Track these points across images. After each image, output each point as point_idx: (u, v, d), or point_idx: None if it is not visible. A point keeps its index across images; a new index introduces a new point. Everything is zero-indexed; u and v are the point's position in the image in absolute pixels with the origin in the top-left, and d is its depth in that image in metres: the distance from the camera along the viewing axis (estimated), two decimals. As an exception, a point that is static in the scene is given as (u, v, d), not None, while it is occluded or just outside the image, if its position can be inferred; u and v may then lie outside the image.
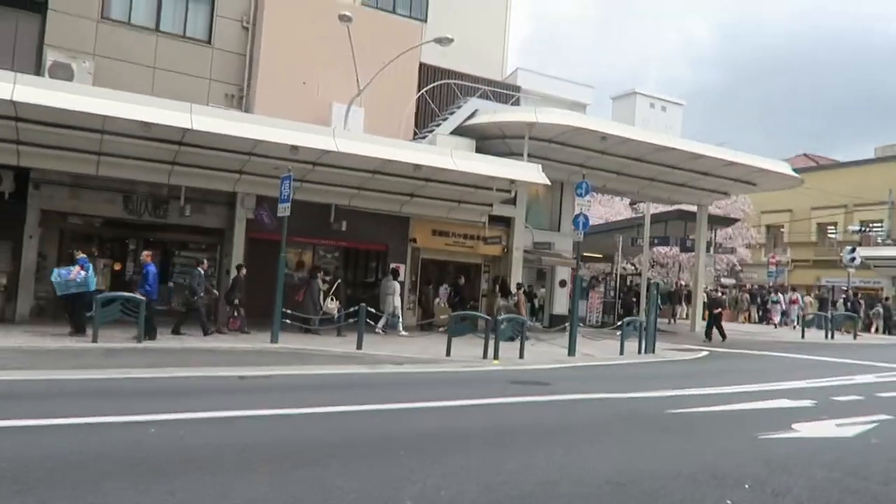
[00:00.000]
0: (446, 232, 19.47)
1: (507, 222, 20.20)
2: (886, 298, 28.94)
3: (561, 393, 9.07)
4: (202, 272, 14.39)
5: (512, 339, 15.14)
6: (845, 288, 28.09)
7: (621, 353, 14.96)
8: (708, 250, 25.09)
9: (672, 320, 29.20)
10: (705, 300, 24.13)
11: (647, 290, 22.85)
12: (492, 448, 5.92)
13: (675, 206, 26.39)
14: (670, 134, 21.73)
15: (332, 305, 16.08)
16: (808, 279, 38.20)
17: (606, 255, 28.89)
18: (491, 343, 12.77)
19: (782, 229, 41.40)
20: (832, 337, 22.11)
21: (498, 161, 16.72)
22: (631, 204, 36.01)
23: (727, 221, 28.73)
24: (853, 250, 25.03)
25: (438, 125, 18.69)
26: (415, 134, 19.20)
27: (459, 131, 18.42)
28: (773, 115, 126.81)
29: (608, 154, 19.65)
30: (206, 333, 13.51)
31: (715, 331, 20.20)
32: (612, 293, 26.24)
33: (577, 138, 18.57)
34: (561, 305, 22.49)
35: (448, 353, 12.64)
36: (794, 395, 9.62)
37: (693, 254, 25.25)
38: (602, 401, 8.70)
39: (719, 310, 20.07)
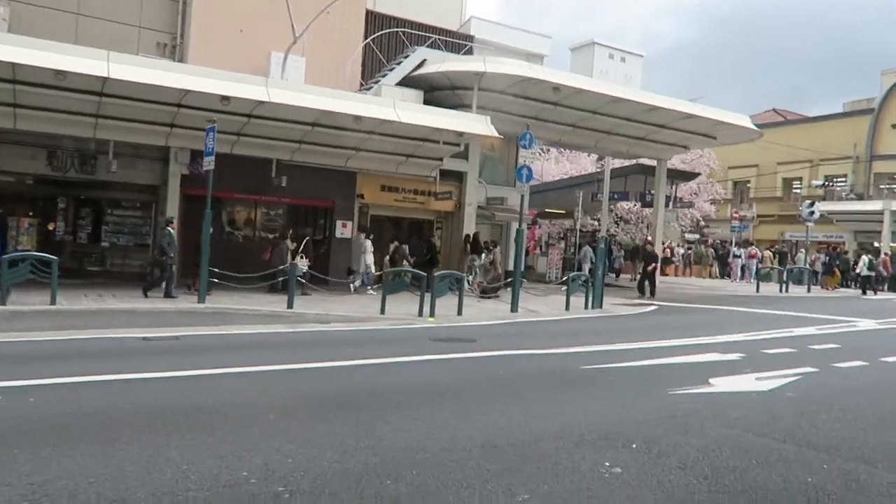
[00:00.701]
0: (396, 187, 18.87)
1: (459, 177, 19.63)
2: (846, 252, 29.00)
3: (482, 350, 8.70)
4: (172, 231, 13.80)
5: (487, 295, 15.51)
6: (807, 242, 28.08)
7: (567, 308, 14.67)
8: (667, 205, 24.78)
9: (636, 276, 29.02)
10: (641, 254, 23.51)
11: (586, 246, 22.59)
12: (374, 410, 5.52)
13: (636, 161, 25.99)
14: (629, 85, 21.18)
15: (301, 263, 15.79)
16: (773, 234, 38.28)
17: (569, 211, 28.49)
18: (428, 300, 12.35)
19: (748, 185, 41.30)
20: (787, 290, 22.09)
21: (444, 113, 16.10)
22: (599, 160, 35.51)
23: (687, 176, 28.36)
24: (812, 204, 24.87)
25: (385, 76, 17.93)
26: (361, 85, 18.44)
27: (407, 82, 17.68)
28: (754, 72, 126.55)
29: (562, 106, 19.06)
30: (168, 295, 12.94)
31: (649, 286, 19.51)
32: (571, 249, 25.94)
33: (530, 89, 17.95)
34: (517, 261, 22.11)
35: (382, 312, 12.23)
36: (725, 349, 9.36)
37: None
38: (521, 357, 8.35)
39: (654, 265, 19.46)
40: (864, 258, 23.79)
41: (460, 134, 16.33)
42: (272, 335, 9.54)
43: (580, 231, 26.75)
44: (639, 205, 28.12)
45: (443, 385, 6.66)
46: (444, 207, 19.75)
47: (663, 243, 31.13)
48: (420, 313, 12.25)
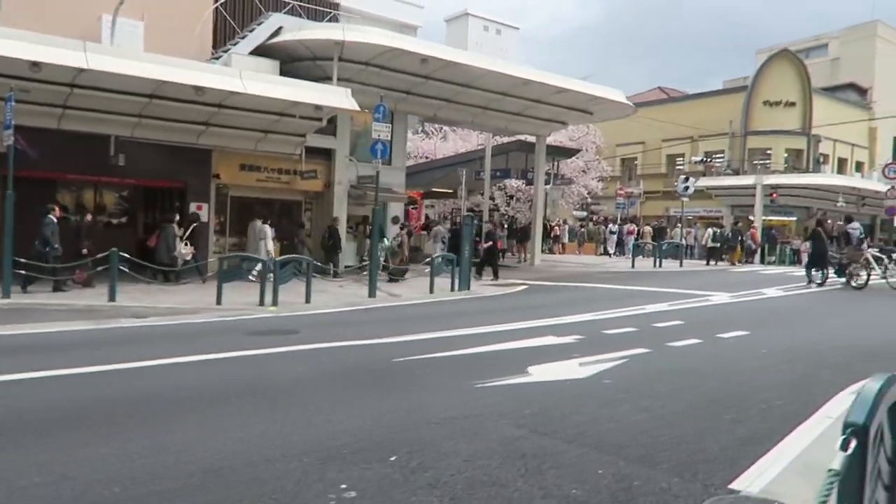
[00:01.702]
0: (257, 166, 17.54)
1: (327, 154, 18.55)
2: (736, 223, 30.01)
3: (299, 343, 7.86)
4: (55, 219, 12.31)
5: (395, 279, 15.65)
6: (689, 217, 28.86)
7: (431, 291, 14.06)
8: (549, 182, 24.65)
9: (524, 256, 28.89)
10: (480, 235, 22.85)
11: (437, 226, 22.12)
12: (93, 430, 4.57)
13: (516, 138, 25.70)
14: (504, 58, 20.72)
15: (185, 250, 14.81)
16: (660, 210, 39.32)
17: (455, 190, 28.01)
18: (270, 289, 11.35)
19: (636, 162, 42.23)
20: (660, 265, 22.47)
21: (299, 84, 14.97)
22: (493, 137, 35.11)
23: (567, 153, 28.37)
24: (686, 180, 25.47)
25: (236, 44, 16.53)
26: (212, 55, 16.97)
27: (261, 51, 16.35)
28: (657, 54, 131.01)
29: (434, 79, 18.30)
30: (58, 289, 11.87)
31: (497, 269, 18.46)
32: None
33: (396, 61, 17.05)
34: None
35: (219, 302, 11.14)
36: (565, 331, 8.93)
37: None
38: (338, 350, 7.55)
39: (490, 243, 18.77)
40: (709, 231, 25.20)
41: (319, 107, 15.28)
42: (60, 334, 8.30)
43: (473, 210, 26.33)
44: (522, 182, 27.96)
45: (217, 390, 5.77)
46: (312, 187, 18.62)
47: (550, 221, 31.29)
48: (261, 302, 11.25)
